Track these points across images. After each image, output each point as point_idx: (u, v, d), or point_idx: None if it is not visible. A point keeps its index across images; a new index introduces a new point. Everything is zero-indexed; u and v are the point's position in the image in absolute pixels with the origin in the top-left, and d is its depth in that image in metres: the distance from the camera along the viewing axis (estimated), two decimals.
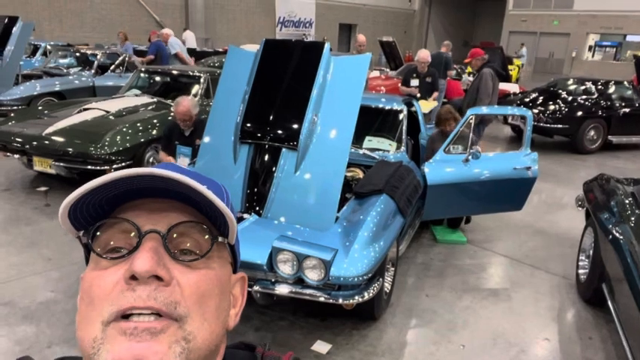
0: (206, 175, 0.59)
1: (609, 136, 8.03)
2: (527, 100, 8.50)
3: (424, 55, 6.71)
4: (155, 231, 0.50)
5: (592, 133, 7.92)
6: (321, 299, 2.59)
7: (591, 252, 3.42)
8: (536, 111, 7.65)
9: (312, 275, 2.54)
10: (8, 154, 4.98)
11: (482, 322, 3.16)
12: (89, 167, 4.65)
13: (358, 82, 3.16)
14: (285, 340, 2.86)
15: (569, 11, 24.52)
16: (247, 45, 8.42)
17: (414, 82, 6.64)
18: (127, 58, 8.36)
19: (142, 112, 5.50)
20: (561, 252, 4.22)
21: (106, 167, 4.65)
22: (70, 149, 4.68)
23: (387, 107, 4.27)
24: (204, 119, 3.55)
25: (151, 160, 5.14)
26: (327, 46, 3.21)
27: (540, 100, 8.32)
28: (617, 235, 2.86)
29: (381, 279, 2.83)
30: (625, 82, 8.52)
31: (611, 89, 8.23)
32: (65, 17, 15.22)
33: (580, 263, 3.66)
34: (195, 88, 6.06)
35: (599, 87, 8.28)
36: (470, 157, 3.78)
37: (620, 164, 7.52)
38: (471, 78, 7.43)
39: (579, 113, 7.79)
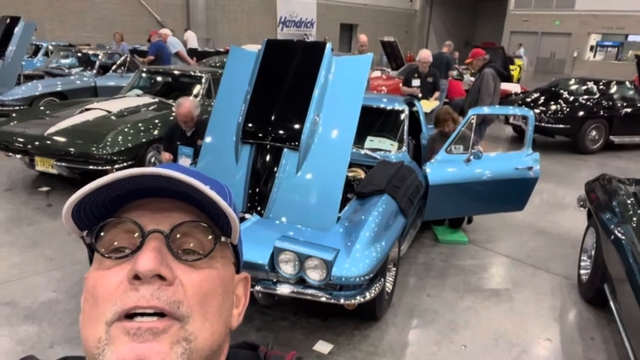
0: (208, 175, 0.59)
1: (611, 136, 8.01)
2: (528, 100, 8.49)
3: (425, 54, 6.71)
4: (158, 231, 0.50)
5: (594, 133, 7.91)
6: (323, 299, 2.59)
7: (593, 252, 3.42)
8: (537, 111, 7.64)
9: (314, 275, 2.54)
10: (10, 154, 4.99)
11: (484, 323, 3.16)
12: (91, 167, 4.66)
13: (360, 82, 3.16)
14: (286, 340, 2.86)
15: (571, 11, 24.49)
16: (249, 45, 8.43)
17: (416, 82, 6.63)
18: (128, 58, 8.37)
19: (143, 112, 5.51)
20: (563, 252, 4.21)
21: (107, 167, 4.65)
22: (72, 149, 4.69)
23: (389, 107, 4.26)
24: (206, 119, 3.55)
25: (152, 160, 5.14)
26: (328, 46, 3.21)
27: (542, 100, 8.31)
28: (619, 235, 2.86)
29: (382, 279, 2.82)
30: (627, 82, 8.51)
31: (613, 89, 8.22)
32: (67, 17, 15.25)
33: (582, 263, 3.66)
34: (197, 88, 6.07)
35: (601, 87, 8.27)
36: (471, 157, 3.77)
37: (621, 164, 7.51)
38: (472, 78, 7.42)
39: (581, 113, 7.78)
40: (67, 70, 8.53)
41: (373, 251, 2.64)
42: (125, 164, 4.79)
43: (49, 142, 4.79)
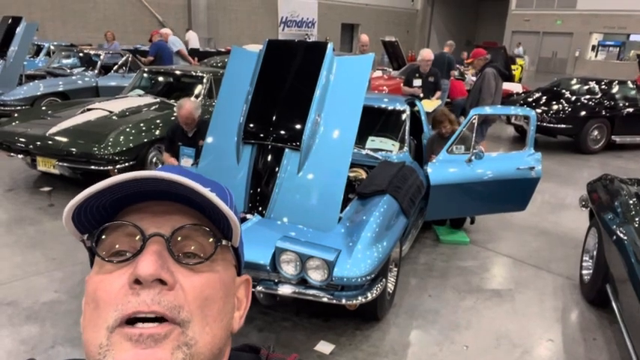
0: (209, 175, 0.59)
1: (613, 136, 8.00)
2: (530, 99, 8.48)
3: (427, 53, 6.70)
4: (159, 234, 0.50)
5: (595, 133, 7.90)
6: (324, 300, 2.59)
7: (595, 252, 3.41)
8: (539, 111, 7.63)
9: (315, 276, 2.54)
10: (12, 154, 5.00)
11: (486, 323, 3.16)
12: (93, 167, 4.67)
13: (361, 82, 3.16)
14: (288, 340, 2.86)
15: (573, 11, 24.44)
16: (250, 45, 8.44)
17: (417, 82, 6.63)
18: (130, 58, 8.38)
19: (145, 113, 5.51)
20: (565, 252, 4.21)
21: (109, 167, 4.66)
22: (74, 149, 4.69)
23: (390, 107, 4.26)
24: (207, 120, 3.55)
25: (154, 160, 5.15)
26: (329, 46, 3.21)
27: (544, 100, 8.30)
28: (621, 235, 2.85)
29: (384, 279, 2.82)
30: (628, 82, 8.49)
31: (615, 89, 8.20)
32: (68, 17, 15.27)
33: (584, 264, 3.65)
34: (198, 89, 6.07)
35: (603, 87, 8.26)
36: (473, 158, 3.77)
37: (623, 164, 7.50)
38: (474, 78, 7.41)
39: (583, 113, 7.77)
40: (68, 70, 8.54)
41: (375, 251, 2.64)
42: (127, 164, 4.79)
43: (50, 142, 4.80)
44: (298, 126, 3.03)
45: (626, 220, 2.97)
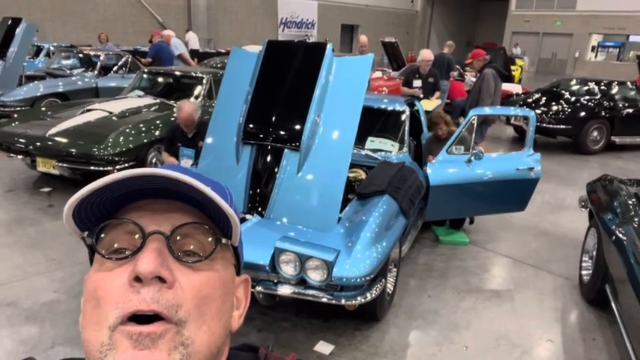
0: (208, 175, 0.59)
1: (612, 137, 8.00)
2: (530, 100, 8.48)
3: (427, 54, 6.71)
4: (159, 232, 0.50)
5: (595, 133, 7.90)
6: (324, 300, 2.59)
7: (594, 253, 3.41)
8: (539, 111, 7.63)
9: (315, 276, 2.54)
10: (12, 154, 5.00)
11: (485, 323, 3.16)
12: (92, 168, 4.67)
13: (360, 82, 3.16)
14: (287, 341, 2.86)
15: (572, 11, 24.46)
16: (250, 46, 8.44)
17: (417, 83, 6.63)
18: (129, 59, 8.38)
19: (144, 113, 5.51)
20: (564, 253, 4.21)
21: (109, 168, 4.66)
22: (74, 150, 4.70)
23: (390, 108, 4.27)
24: (207, 121, 3.56)
25: (153, 160, 5.15)
26: (329, 47, 3.21)
27: (543, 101, 8.30)
28: (621, 235, 2.86)
29: (383, 280, 2.82)
30: (628, 83, 8.49)
31: (614, 90, 8.21)
32: (68, 18, 15.27)
33: (583, 264, 3.66)
34: (198, 89, 6.07)
35: (602, 87, 8.26)
36: (472, 158, 3.78)
37: (623, 165, 7.50)
38: (473, 78, 7.42)
39: (582, 114, 7.77)
40: (68, 71, 8.54)
41: (374, 252, 2.64)
42: (126, 165, 4.80)
43: (50, 142, 4.80)
44: (298, 126, 3.04)
45: (626, 221, 2.97)
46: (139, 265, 0.47)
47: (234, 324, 0.57)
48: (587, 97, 8.16)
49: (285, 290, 2.62)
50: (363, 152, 3.87)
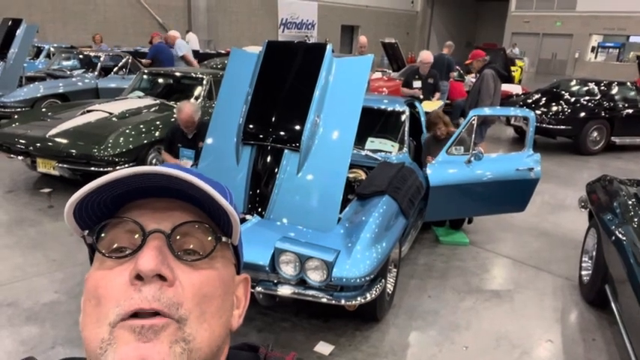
0: (208, 176, 0.59)
1: (612, 137, 8.00)
2: (529, 101, 8.49)
3: (426, 55, 6.72)
4: (159, 230, 0.50)
5: (595, 134, 7.91)
6: (324, 300, 2.60)
7: (594, 253, 3.42)
8: (539, 112, 7.64)
9: (315, 276, 2.54)
10: (12, 155, 5.01)
11: (485, 324, 3.16)
12: (92, 169, 4.67)
13: (360, 83, 3.16)
14: (287, 341, 2.86)
15: (572, 12, 24.46)
16: (250, 47, 8.45)
17: (417, 84, 6.64)
18: (129, 60, 8.39)
19: (145, 114, 5.52)
20: (564, 253, 4.21)
21: (109, 169, 4.66)
22: (74, 151, 4.70)
23: (390, 108, 4.27)
24: (207, 122, 3.56)
25: (154, 161, 5.15)
26: (329, 47, 3.22)
27: (543, 102, 8.30)
28: (620, 236, 2.86)
29: (383, 280, 2.83)
30: (628, 83, 8.50)
31: (614, 90, 8.21)
32: (69, 19, 15.28)
33: (583, 264, 3.66)
34: (198, 90, 6.08)
35: (602, 88, 8.26)
36: (472, 159, 3.78)
37: (623, 165, 7.50)
38: (473, 79, 7.42)
39: (582, 114, 7.78)
40: (68, 72, 8.55)
41: (374, 252, 2.65)
42: (126, 166, 4.80)
43: (50, 143, 4.81)
44: (297, 127, 3.04)
45: (625, 221, 2.97)
46: (140, 263, 0.47)
47: (235, 323, 0.57)
48: (587, 98, 8.16)
49: (285, 290, 2.62)
50: (363, 153, 3.87)
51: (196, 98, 5.94)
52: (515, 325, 3.15)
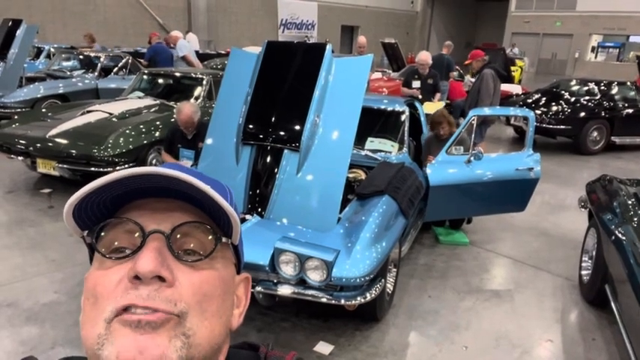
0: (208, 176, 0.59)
1: (612, 137, 8.01)
2: (529, 101, 8.49)
3: (424, 57, 6.71)
4: (159, 231, 0.50)
5: (595, 134, 7.91)
6: (324, 300, 2.60)
7: (594, 253, 3.42)
8: (538, 112, 7.64)
9: (314, 276, 2.55)
10: (12, 156, 5.01)
11: (485, 324, 3.16)
12: (92, 169, 4.67)
13: (360, 83, 3.17)
14: (287, 341, 2.86)
15: (572, 12, 24.46)
16: (249, 47, 8.43)
17: (416, 84, 6.64)
18: (129, 61, 8.39)
19: (144, 114, 5.52)
20: (564, 253, 4.21)
21: (109, 169, 4.66)
22: (74, 151, 4.70)
23: (389, 108, 4.27)
24: (207, 122, 3.56)
25: (153, 162, 5.16)
26: (328, 47, 3.22)
27: (543, 101, 8.31)
28: (620, 236, 2.86)
29: (383, 280, 2.83)
30: (628, 83, 8.50)
31: (614, 90, 8.21)
32: (69, 20, 15.29)
33: (583, 264, 3.66)
34: (198, 90, 6.08)
35: (602, 88, 8.27)
36: (472, 158, 3.78)
37: (623, 165, 7.50)
38: (472, 79, 7.42)
39: (582, 114, 7.78)
40: (68, 73, 8.55)
41: (374, 252, 2.65)
42: (126, 166, 4.80)
43: (50, 144, 4.81)
44: (297, 127, 3.04)
45: (625, 221, 2.97)
46: (139, 264, 0.47)
47: (235, 322, 0.57)
48: (586, 98, 8.16)
49: (284, 290, 2.62)
50: (363, 153, 3.87)
51: (196, 98, 5.94)
52: (515, 325, 3.15)
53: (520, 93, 9.98)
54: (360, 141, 3.84)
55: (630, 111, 7.98)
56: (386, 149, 3.98)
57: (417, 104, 4.79)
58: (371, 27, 24.84)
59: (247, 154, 3.12)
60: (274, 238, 2.63)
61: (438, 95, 6.64)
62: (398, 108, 4.25)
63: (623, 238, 2.82)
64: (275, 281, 2.65)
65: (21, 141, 4.90)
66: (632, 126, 8.04)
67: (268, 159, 3.10)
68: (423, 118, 4.71)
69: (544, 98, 8.44)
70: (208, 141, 3.30)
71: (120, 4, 16.41)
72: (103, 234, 0.52)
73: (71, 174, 4.81)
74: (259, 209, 2.98)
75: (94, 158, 4.66)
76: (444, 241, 4.32)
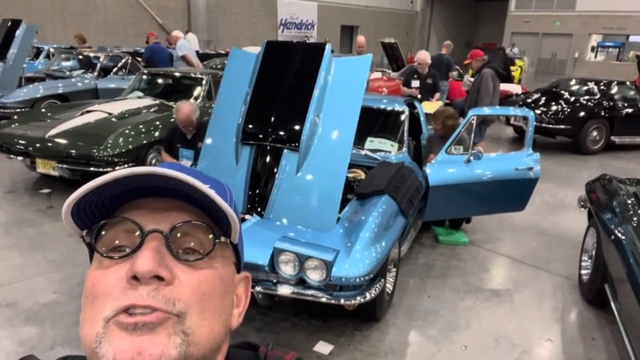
0: None
1: (612, 137, 8.01)
2: (529, 100, 8.49)
3: (423, 56, 6.71)
4: (158, 230, 0.50)
5: (594, 133, 7.91)
6: (323, 300, 2.60)
7: (594, 252, 3.42)
8: (538, 112, 7.64)
9: (314, 276, 2.54)
10: (11, 156, 5.01)
11: (485, 323, 3.16)
12: (92, 169, 4.67)
13: (359, 83, 3.16)
14: (287, 341, 2.86)
15: (572, 12, 24.47)
16: (249, 47, 8.43)
17: (415, 84, 6.64)
18: (128, 61, 8.39)
19: (144, 114, 5.52)
20: (564, 253, 4.21)
21: (108, 169, 4.66)
22: (73, 151, 4.70)
23: (389, 108, 4.27)
24: (206, 122, 3.56)
25: (153, 161, 5.16)
26: (328, 47, 3.22)
27: (543, 101, 8.31)
28: (620, 235, 2.86)
29: (382, 280, 2.83)
30: (627, 83, 8.50)
31: (614, 90, 8.21)
32: (68, 20, 15.28)
33: (582, 264, 3.66)
34: (198, 90, 6.08)
35: (602, 87, 8.27)
36: (472, 158, 3.78)
37: (622, 164, 7.50)
38: (472, 79, 7.42)
39: (582, 114, 7.78)
40: (68, 73, 8.55)
41: (373, 252, 2.65)
42: (126, 166, 4.80)
43: (50, 144, 4.81)
44: (297, 127, 3.04)
45: (625, 220, 2.98)
46: (137, 264, 0.47)
47: (234, 322, 0.57)
48: (586, 97, 8.16)
49: (284, 290, 2.62)
50: (363, 152, 3.87)
51: (196, 98, 5.94)
52: (515, 325, 3.15)
53: (520, 93, 9.98)
54: (359, 141, 3.84)
55: (630, 110, 7.99)
56: (385, 149, 3.98)
57: (417, 104, 4.79)
58: (371, 27, 24.84)
59: (247, 154, 3.12)
60: (274, 237, 2.63)
61: (437, 95, 6.64)
62: (397, 108, 4.25)
63: (623, 237, 2.82)
64: (274, 281, 2.65)
65: (20, 141, 4.90)
66: (631, 126, 8.04)
67: (268, 159, 3.10)
68: (422, 118, 4.71)
69: (544, 98, 8.44)
70: (208, 141, 3.30)
71: (120, 4, 16.41)
72: (101, 233, 0.52)
73: (71, 174, 4.81)
74: (259, 209, 2.98)
75: (94, 158, 4.66)
76: (444, 241, 4.32)
